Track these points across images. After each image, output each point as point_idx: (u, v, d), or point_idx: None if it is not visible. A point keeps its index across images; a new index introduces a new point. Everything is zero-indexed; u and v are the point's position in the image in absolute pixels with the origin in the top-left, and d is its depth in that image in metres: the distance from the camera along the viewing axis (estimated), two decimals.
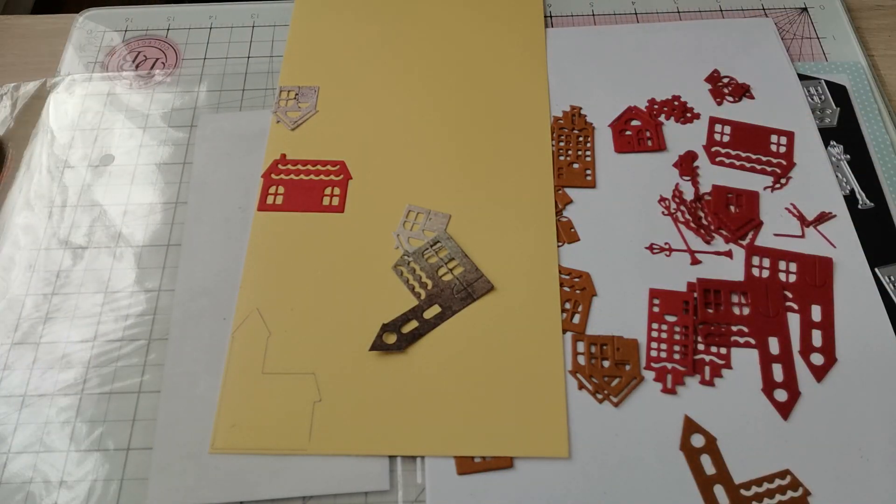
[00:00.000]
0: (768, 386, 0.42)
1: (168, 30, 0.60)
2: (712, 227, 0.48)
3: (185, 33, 0.60)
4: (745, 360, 0.43)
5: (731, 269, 0.46)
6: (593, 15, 0.60)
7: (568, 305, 0.45)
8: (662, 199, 0.49)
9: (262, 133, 0.53)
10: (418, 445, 0.40)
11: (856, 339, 0.43)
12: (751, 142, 0.51)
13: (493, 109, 0.54)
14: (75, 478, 0.40)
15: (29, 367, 0.44)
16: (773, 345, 0.43)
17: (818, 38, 0.58)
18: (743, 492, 0.39)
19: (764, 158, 0.51)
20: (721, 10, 0.59)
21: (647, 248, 0.47)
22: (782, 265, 0.46)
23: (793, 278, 0.46)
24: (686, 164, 0.51)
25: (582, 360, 0.43)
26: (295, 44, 0.58)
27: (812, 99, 0.54)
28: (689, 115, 0.53)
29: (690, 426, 0.41)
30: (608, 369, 0.43)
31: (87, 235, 0.49)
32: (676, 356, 0.43)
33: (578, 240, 0.47)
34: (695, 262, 0.46)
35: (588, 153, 0.51)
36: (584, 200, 0.49)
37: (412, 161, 0.51)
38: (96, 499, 0.39)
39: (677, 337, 0.44)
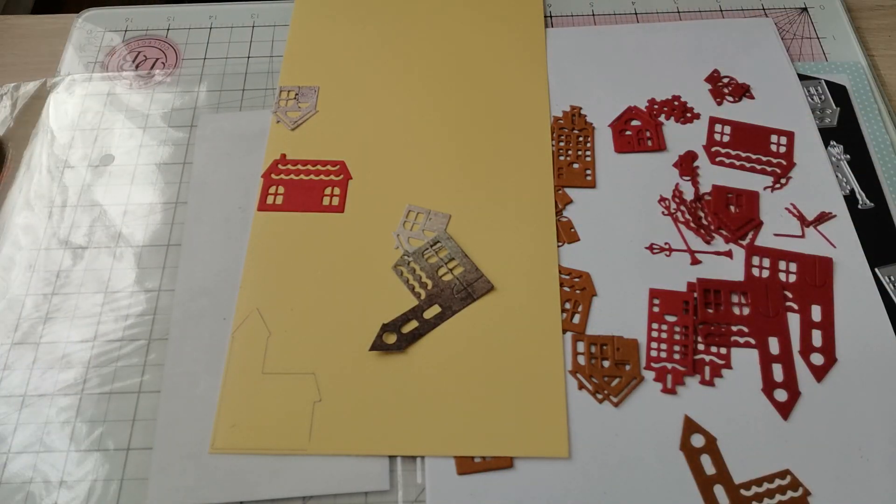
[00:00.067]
0: (768, 386, 0.42)
1: (168, 30, 0.60)
2: (712, 227, 0.48)
3: (185, 33, 0.60)
4: (745, 360, 0.43)
5: (731, 269, 0.46)
6: (593, 15, 0.60)
7: (568, 305, 0.45)
8: (662, 199, 0.49)
9: (262, 133, 0.53)
10: (418, 445, 0.40)
11: (856, 339, 0.43)
12: (751, 142, 0.51)
13: (493, 109, 0.54)
14: (75, 478, 0.40)
15: (29, 367, 0.44)
16: (773, 345, 0.43)
17: (818, 38, 0.58)
18: (743, 492, 0.39)
19: (764, 158, 0.51)
20: (721, 10, 0.59)
21: (647, 248, 0.47)
22: (782, 265, 0.46)
23: (793, 278, 0.46)
24: (686, 164, 0.51)
25: (582, 360, 0.43)
26: (295, 44, 0.58)
27: (812, 99, 0.54)
28: (689, 115, 0.53)
29: (690, 426, 0.41)
30: (608, 369, 0.43)
31: (87, 235, 0.49)
32: (676, 356, 0.43)
33: (578, 240, 0.47)
34: (695, 262, 0.46)
35: (588, 153, 0.51)
36: (584, 200, 0.49)
37: (412, 161, 0.51)
38: (96, 499, 0.39)
39: (677, 337, 0.44)
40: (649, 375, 0.42)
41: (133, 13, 0.61)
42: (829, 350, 0.43)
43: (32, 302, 0.46)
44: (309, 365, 0.43)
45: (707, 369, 0.43)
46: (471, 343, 0.44)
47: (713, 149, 0.51)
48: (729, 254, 0.47)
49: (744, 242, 0.47)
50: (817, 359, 0.43)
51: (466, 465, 0.40)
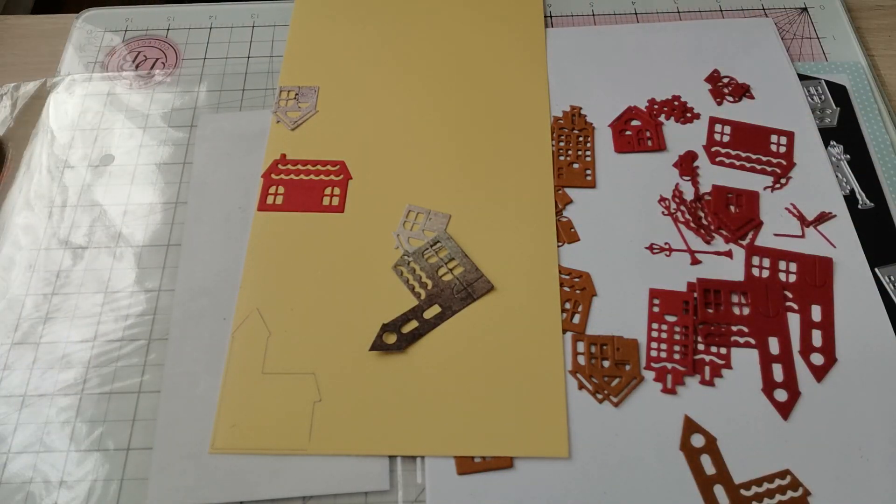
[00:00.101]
0: (768, 386, 0.42)
1: (168, 30, 0.60)
2: (712, 227, 0.48)
3: (185, 33, 0.60)
4: (745, 360, 0.43)
5: (731, 269, 0.46)
6: (593, 15, 0.60)
7: (568, 305, 0.45)
8: (662, 199, 0.49)
9: (262, 133, 0.53)
10: (418, 445, 0.40)
11: (856, 339, 0.43)
12: (751, 142, 0.51)
13: (493, 109, 0.54)
14: (75, 478, 0.40)
15: (29, 367, 0.44)
16: (773, 345, 0.43)
17: (818, 38, 0.58)
18: (743, 492, 0.39)
19: (764, 158, 0.51)
20: (721, 10, 0.59)
21: (647, 248, 0.47)
22: (782, 265, 0.46)
23: (793, 278, 0.46)
24: (686, 164, 0.51)
25: (582, 360, 0.43)
26: (295, 44, 0.58)
27: (812, 99, 0.54)
28: (689, 115, 0.53)
29: (690, 426, 0.41)
30: (608, 369, 0.43)
31: (87, 235, 0.49)
32: (676, 356, 0.43)
33: (578, 240, 0.47)
34: (695, 262, 0.46)
35: (588, 153, 0.51)
36: (584, 200, 0.49)
37: (412, 161, 0.51)
38: (96, 499, 0.39)
39: (677, 337, 0.44)
40: (649, 375, 0.42)
41: (133, 13, 0.61)
42: (829, 350, 0.43)
43: (32, 302, 0.46)
44: (309, 365, 0.43)
45: (707, 369, 0.43)
46: (471, 343, 0.44)
47: (713, 149, 0.51)
48: (729, 254, 0.47)
49: (744, 242, 0.47)
50: (817, 359, 0.43)
51: (466, 465, 0.40)
